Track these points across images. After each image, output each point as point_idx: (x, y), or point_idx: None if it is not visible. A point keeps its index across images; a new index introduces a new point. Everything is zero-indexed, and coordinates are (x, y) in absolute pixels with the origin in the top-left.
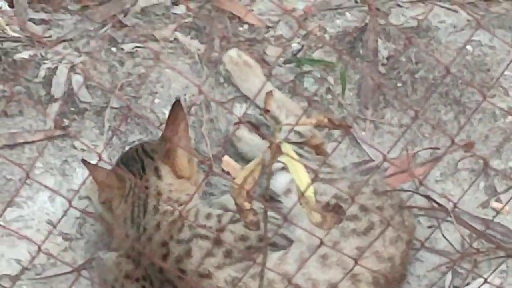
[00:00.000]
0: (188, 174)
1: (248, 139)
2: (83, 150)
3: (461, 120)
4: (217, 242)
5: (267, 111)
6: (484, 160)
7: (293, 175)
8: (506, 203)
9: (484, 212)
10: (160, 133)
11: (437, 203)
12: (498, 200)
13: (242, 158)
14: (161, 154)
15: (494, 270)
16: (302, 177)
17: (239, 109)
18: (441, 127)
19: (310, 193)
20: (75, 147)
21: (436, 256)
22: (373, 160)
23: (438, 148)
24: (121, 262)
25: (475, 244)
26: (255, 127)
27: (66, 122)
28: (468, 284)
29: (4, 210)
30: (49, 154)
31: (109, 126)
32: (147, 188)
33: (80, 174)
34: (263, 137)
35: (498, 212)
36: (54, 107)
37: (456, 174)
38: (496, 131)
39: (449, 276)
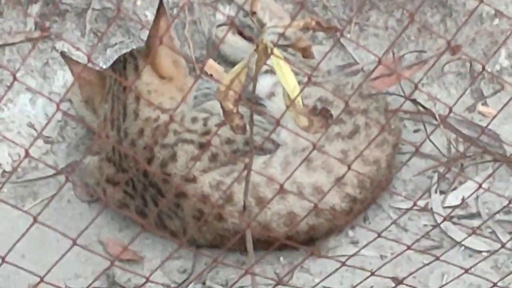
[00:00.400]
0: (170, 75)
1: (232, 42)
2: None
3: (448, 22)
4: (203, 146)
5: (253, 13)
6: (471, 63)
7: (280, 78)
8: (500, 110)
9: (471, 116)
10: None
11: (423, 107)
12: (485, 104)
13: (226, 61)
14: (143, 53)
15: (488, 177)
16: (289, 80)
17: (223, 11)
18: (428, 29)
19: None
20: (56, 49)
21: (422, 160)
22: (358, 63)
23: (424, 51)
24: (103, 166)
25: (461, 149)
26: (239, 29)
27: (47, 23)
28: (454, 189)
29: None
30: (29, 56)
31: (91, 27)
32: (126, 88)
33: (61, 76)
34: (247, 39)
35: (491, 118)
36: (35, 8)
37: (442, 77)
38: (483, 34)
39: (435, 180)
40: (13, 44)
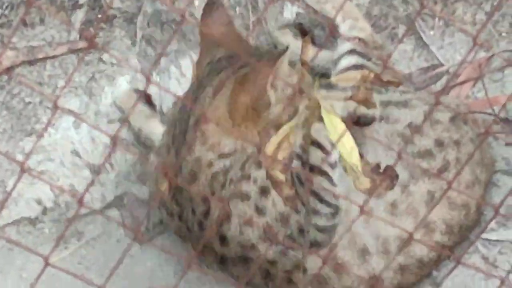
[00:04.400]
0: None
1: (294, 46)
2: (112, 64)
3: None
4: (260, 211)
5: (304, 63)
6: None
7: (335, 138)
8: None
9: None
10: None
11: None
12: None
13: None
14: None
15: None
16: (346, 141)
17: (291, 9)
18: None
19: (355, 159)
20: (103, 61)
21: None
22: (443, 65)
23: None
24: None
25: None
26: (303, 31)
27: (92, 31)
28: None
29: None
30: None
31: (142, 35)
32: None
33: (110, 93)
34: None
35: None
36: (79, 15)
37: None
38: None
39: None
40: (55, 57)
